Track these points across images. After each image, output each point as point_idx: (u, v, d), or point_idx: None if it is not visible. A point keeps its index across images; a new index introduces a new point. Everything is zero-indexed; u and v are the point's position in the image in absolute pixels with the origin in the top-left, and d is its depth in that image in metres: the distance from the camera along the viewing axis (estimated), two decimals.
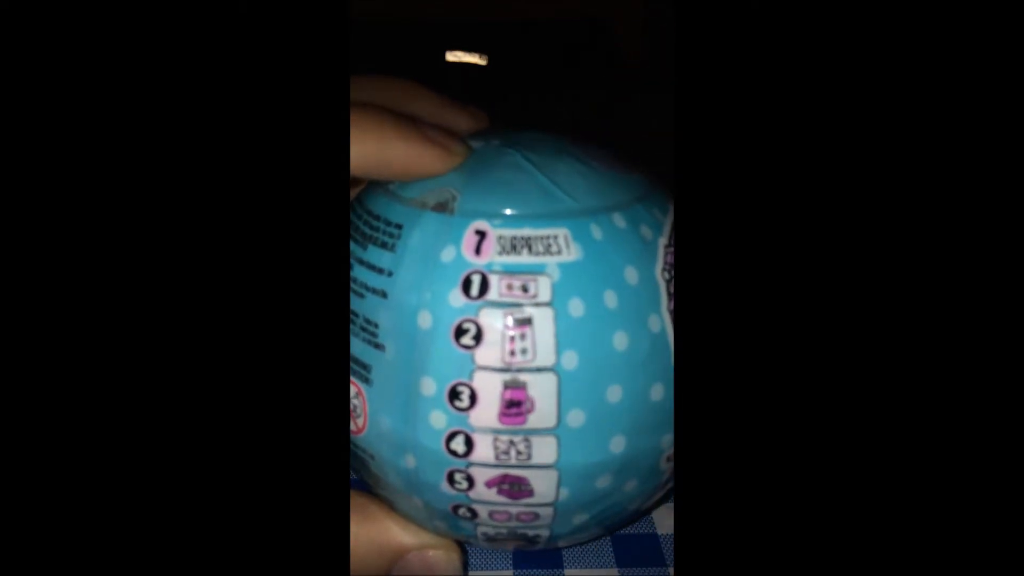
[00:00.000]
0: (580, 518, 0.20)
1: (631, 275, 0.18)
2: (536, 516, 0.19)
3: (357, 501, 0.22)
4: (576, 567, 0.24)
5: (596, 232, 0.18)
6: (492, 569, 0.24)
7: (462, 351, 0.18)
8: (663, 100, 0.22)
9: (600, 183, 0.19)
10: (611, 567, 0.24)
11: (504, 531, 0.20)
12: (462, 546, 0.22)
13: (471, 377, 0.18)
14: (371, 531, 0.22)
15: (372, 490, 0.22)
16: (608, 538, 0.25)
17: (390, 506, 0.21)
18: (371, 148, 0.19)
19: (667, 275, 0.19)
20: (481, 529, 0.20)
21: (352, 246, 0.20)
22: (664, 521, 0.26)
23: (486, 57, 0.47)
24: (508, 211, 0.18)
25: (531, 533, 0.20)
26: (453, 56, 0.46)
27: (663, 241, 0.19)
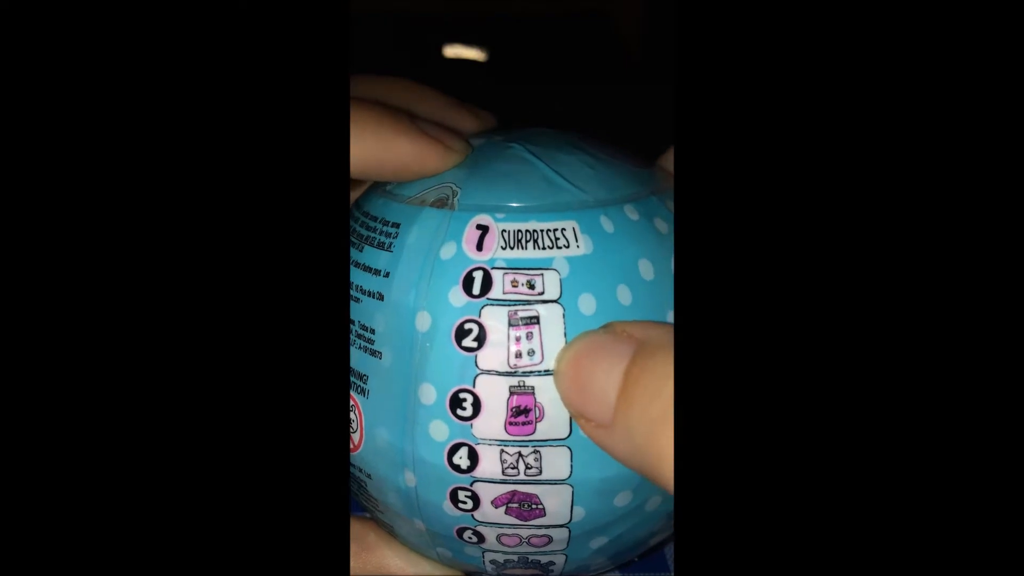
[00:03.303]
0: (598, 542, 0.18)
1: (646, 269, 0.17)
2: (549, 539, 0.18)
3: (354, 529, 0.20)
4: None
5: (607, 224, 0.17)
6: None
7: (464, 354, 0.16)
8: (664, 94, 0.21)
9: (610, 175, 0.18)
10: (612, 571, 0.22)
11: (515, 558, 0.18)
12: None
13: (474, 383, 0.16)
14: (369, 562, 0.20)
15: (370, 515, 0.20)
16: None
17: (390, 532, 0.20)
18: (367, 145, 0.18)
19: None
20: (489, 556, 0.18)
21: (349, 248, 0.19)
22: None
23: (485, 52, 0.47)
24: (512, 204, 0.17)
25: (544, 560, 0.18)
26: (451, 51, 0.46)
27: None
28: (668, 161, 0.21)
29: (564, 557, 0.18)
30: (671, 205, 0.18)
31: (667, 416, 0.14)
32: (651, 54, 0.53)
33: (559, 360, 0.16)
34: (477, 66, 0.49)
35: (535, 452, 0.16)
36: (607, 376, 0.15)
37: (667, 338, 0.15)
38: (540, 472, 0.17)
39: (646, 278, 0.17)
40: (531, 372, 0.16)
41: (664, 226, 0.18)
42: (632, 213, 0.18)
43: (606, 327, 0.16)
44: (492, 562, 0.18)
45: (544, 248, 0.17)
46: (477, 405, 0.16)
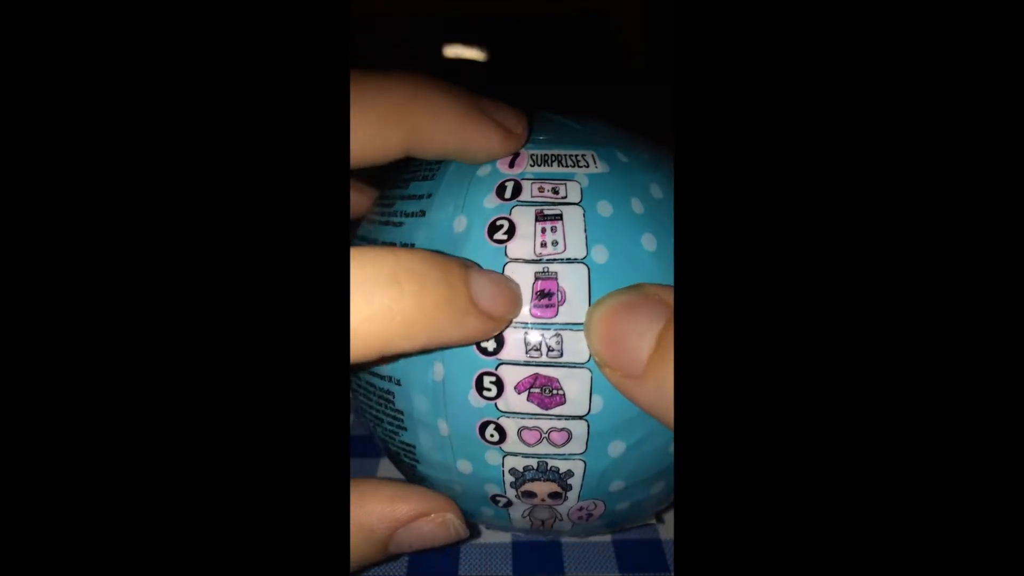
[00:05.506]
0: (617, 448, 0.18)
1: (656, 190, 0.19)
2: (569, 436, 0.18)
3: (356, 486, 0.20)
4: (577, 570, 0.22)
5: (621, 156, 0.20)
6: (491, 571, 0.22)
7: (495, 245, 0.18)
8: (664, 94, 0.24)
9: (624, 135, 0.21)
10: (613, 571, 0.22)
11: (534, 464, 0.19)
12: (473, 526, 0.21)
13: (503, 270, 0.18)
14: (356, 513, 0.19)
15: (386, 447, 0.21)
16: (610, 542, 0.23)
17: (410, 463, 0.20)
18: (444, 127, 0.18)
19: None
20: (509, 463, 0.19)
21: (394, 191, 0.21)
22: (668, 526, 0.24)
23: (485, 52, 0.49)
24: (539, 138, 0.20)
25: (563, 468, 0.19)
26: (451, 51, 0.47)
27: None
28: None
29: (583, 465, 0.19)
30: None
31: None
32: (651, 54, 0.54)
33: (590, 313, 0.17)
34: (477, 66, 0.50)
35: (557, 335, 0.18)
36: (641, 335, 0.16)
37: None
38: (561, 355, 0.18)
39: (656, 196, 0.19)
40: (555, 259, 0.18)
41: (670, 171, 0.20)
42: (643, 152, 0.20)
43: (636, 287, 0.17)
44: (511, 471, 0.19)
45: (567, 167, 0.19)
46: None
